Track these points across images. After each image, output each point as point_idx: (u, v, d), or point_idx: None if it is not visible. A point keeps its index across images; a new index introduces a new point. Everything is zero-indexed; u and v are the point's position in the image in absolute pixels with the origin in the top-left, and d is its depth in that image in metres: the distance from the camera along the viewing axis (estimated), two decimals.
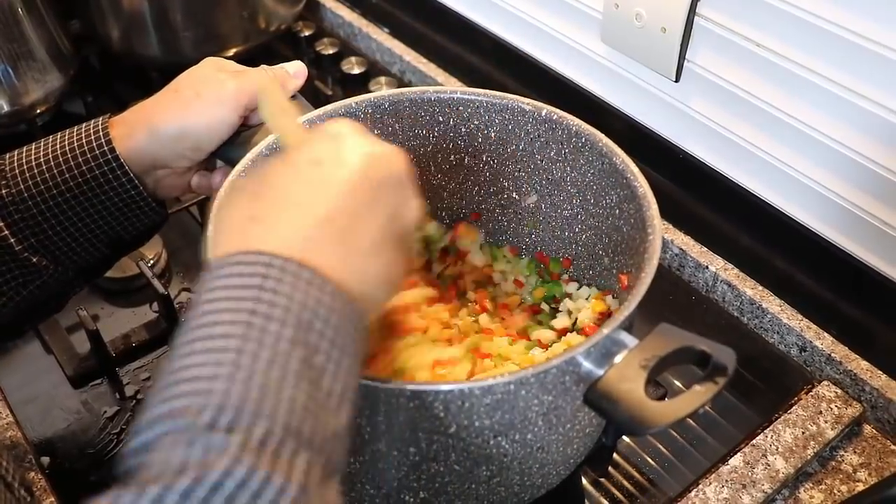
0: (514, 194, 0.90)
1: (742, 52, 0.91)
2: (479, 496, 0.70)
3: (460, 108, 0.85)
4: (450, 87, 0.85)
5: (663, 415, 0.57)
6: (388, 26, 1.46)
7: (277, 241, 0.51)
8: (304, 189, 0.54)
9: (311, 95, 1.08)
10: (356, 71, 1.38)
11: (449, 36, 1.35)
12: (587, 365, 0.61)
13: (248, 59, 1.22)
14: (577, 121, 0.80)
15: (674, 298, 1.04)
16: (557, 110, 0.81)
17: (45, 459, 0.86)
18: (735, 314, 1.01)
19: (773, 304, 0.97)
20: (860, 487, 0.83)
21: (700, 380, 0.60)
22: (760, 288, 0.99)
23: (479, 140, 0.86)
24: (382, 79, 1.35)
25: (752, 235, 1.01)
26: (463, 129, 0.86)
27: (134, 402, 0.92)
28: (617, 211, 0.79)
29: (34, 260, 0.75)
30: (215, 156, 0.81)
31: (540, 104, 0.82)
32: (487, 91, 0.85)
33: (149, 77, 1.35)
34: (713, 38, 0.93)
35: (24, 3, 1.15)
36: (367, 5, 1.49)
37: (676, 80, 0.99)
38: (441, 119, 0.86)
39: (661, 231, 0.70)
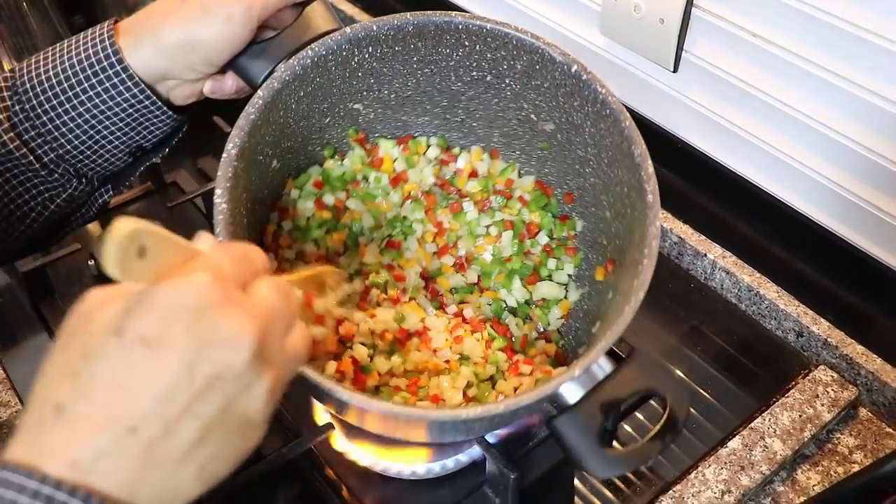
0: (532, 115, 0.86)
1: (739, 43, 0.92)
2: None
3: (488, 39, 0.81)
4: (479, 16, 0.81)
5: (607, 466, 0.62)
6: None
7: (67, 452, 0.44)
8: (119, 381, 0.45)
9: None
10: None
11: None
12: (562, 394, 0.65)
13: None
14: (605, 88, 0.76)
15: (673, 286, 1.05)
16: (588, 68, 0.77)
17: None
18: (733, 301, 1.02)
19: (771, 291, 0.98)
20: (856, 469, 0.85)
21: (653, 436, 0.62)
22: (758, 275, 1.00)
23: (504, 67, 0.83)
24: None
25: (750, 223, 1.02)
26: (489, 55, 0.83)
27: None
28: (626, 189, 0.76)
29: (57, 174, 0.75)
30: (228, 68, 0.79)
31: (572, 57, 0.78)
32: (518, 27, 0.80)
33: None
34: (711, 28, 0.94)
35: None
36: (372, 2, 1.49)
37: (675, 71, 1.00)
38: (467, 44, 0.82)
39: (655, 258, 0.67)
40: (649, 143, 1.08)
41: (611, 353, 0.65)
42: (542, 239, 0.89)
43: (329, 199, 0.87)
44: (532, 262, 0.88)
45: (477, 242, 0.89)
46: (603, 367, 0.64)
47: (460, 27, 0.80)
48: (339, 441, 0.87)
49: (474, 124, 0.91)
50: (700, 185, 1.07)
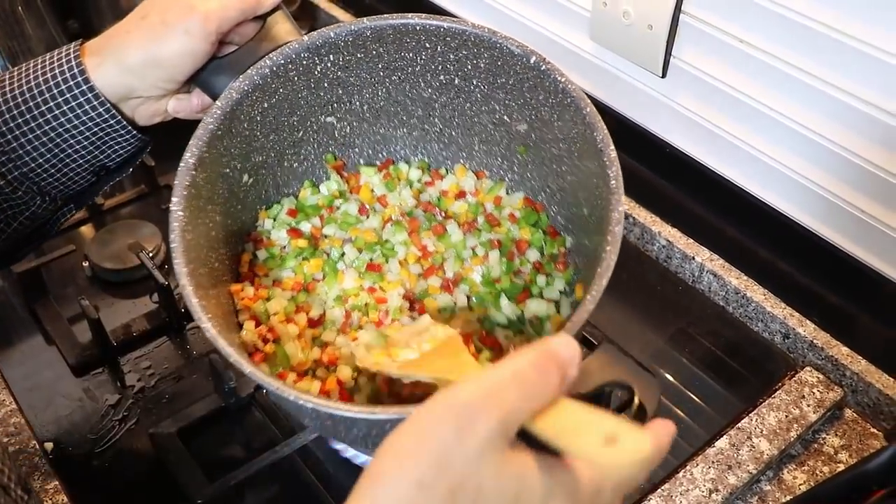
0: (505, 117, 0.86)
1: (726, 48, 0.93)
2: None
3: (447, 38, 0.80)
4: (435, 16, 0.80)
5: None
6: None
7: None
8: None
9: None
10: None
11: None
12: None
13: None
14: (564, 77, 0.75)
15: (661, 289, 1.07)
16: (547, 59, 0.77)
17: (49, 445, 0.88)
18: (720, 303, 1.03)
19: (758, 293, 0.99)
20: (841, 468, 0.86)
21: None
22: (745, 278, 1.01)
23: (469, 67, 0.83)
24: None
25: (737, 226, 1.04)
26: (452, 56, 0.82)
27: (135, 389, 0.94)
28: (594, 180, 0.75)
29: (20, 193, 0.75)
30: (191, 83, 0.79)
31: (529, 49, 0.77)
32: (475, 24, 0.80)
33: None
34: (698, 34, 0.96)
35: (24, 1, 1.17)
36: (361, 5, 1.51)
37: (663, 76, 1.01)
38: (428, 46, 0.82)
39: (618, 246, 0.67)
40: (637, 147, 1.10)
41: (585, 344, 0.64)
42: (532, 255, 0.87)
43: (305, 226, 0.86)
44: (522, 280, 0.87)
45: (465, 264, 0.87)
46: None
47: (418, 28, 0.79)
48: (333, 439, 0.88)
49: (453, 133, 0.91)
50: (688, 189, 1.08)
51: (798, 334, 0.95)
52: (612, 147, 0.72)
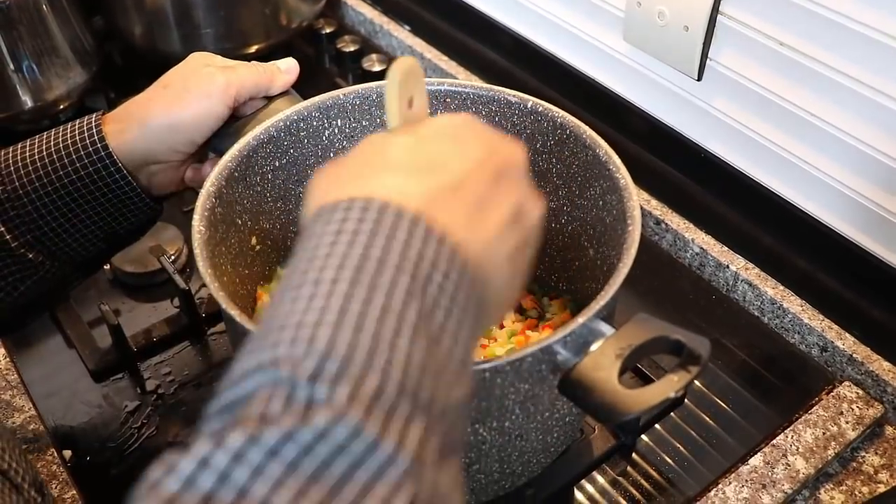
0: None
1: (765, 51, 0.90)
2: None
3: (447, 99, 0.85)
4: (436, 79, 0.85)
5: (636, 402, 0.57)
6: (408, 24, 1.46)
7: (397, 190, 0.45)
8: (425, 157, 0.49)
9: None
10: (377, 68, 1.38)
11: (469, 33, 1.35)
12: (564, 353, 0.62)
13: (269, 55, 1.23)
14: (561, 112, 0.80)
15: (694, 298, 1.04)
16: (543, 102, 0.82)
17: (67, 453, 0.87)
18: (756, 314, 1.00)
19: (794, 304, 0.96)
20: (881, 489, 0.83)
21: (674, 368, 0.59)
22: (781, 288, 0.98)
23: None
24: None
25: (774, 235, 1.01)
26: None
27: (155, 396, 0.93)
28: (601, 202, 0.79)
29: (30, 256, 0.76)
30: (206, 147, 0.83)
31: (525, 96, 0.83)
32: (474, 83, 0.86)
33: None
34: (736, 36, 0.93)
35: (49, 0, 1.16)
36: (389, 3, 1.49)
37: (699, 79, 0.99)
38: (428, 111, 0.86)
39: (639, 222, 0.70)
40: (671, 151, 1.07)
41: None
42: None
43: None
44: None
45: None
46: (605, 331, 0.62)
47: None
48: None
49: None
50: (723, 196, 1.05)
51: (836, 347, 0.92)
52: (616, 157, 0.76)
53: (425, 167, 0.48)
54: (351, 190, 0.46)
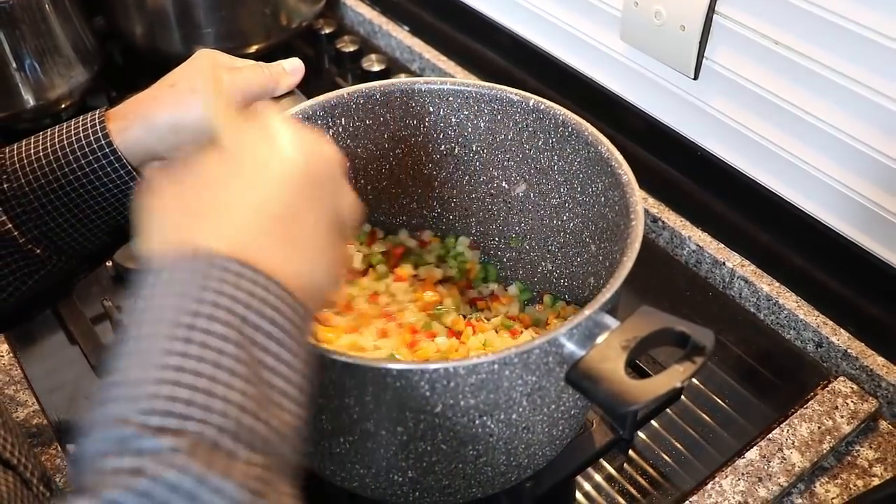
0: (503, 183, 0.91)
1: (761, 50, 0.91)
2: (466, 476, 0.71)
3: (450, 98, 0.86)
4: (439, 77, 0.86)
5: (643, 392, 0.58)
6: (407, 24, 1.47)
7: (222, 239, 0.50)
8: (246, 188, 0.53)
9: None
10: (376, 68, 1.39)
11: (468, 34, 1.36)
12: (570, 346, 0.63)
13: (269, 55, 1.24)
14: (563, 110, 0.81)
15: (690, 295, 1.05)
16: (544, 100, 0.83)
17: (71, 447, 0.87)
18: (752, 310, 1.01)
19: (790, 301, 0.97)
20: (876, 482, 0.84)
21: (679, 359, 0.60)
22: (777, 284, 0.99)
23: (469, 130, 0.88)
24: (402, 76, 1.36)
25: (770, 232, 1.02)
26: (453, 119, 0.87)
27: None
28: (603, 198, 0.80)
29: (37, 251, 0.77)
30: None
31: (527, 94, 0.84)
32: (476, 81, 0.87)
33: None
34: (732, 35, 0.94)
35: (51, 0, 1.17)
36: (388, 3, 1.50)
37: (695, 78, 1.00)
38: (431, 109, 0.87)
39: (643, 216, 0.71)
40: (667, 149, 1.08)
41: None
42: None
43: None
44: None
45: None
46: (610, 324, 0.63)
47: (423, 90, 0.86)
48: None
49: (451, 217, 0.96)
50: (719, 193, 1.06)
51: (832, 343, 0.93)
52: (619, 154, 0.77)
53: (249, 203, 0.53)
54: (182, 236, 0.51)
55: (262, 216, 0.52)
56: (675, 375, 0.59)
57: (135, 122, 0.78)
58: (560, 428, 0.73)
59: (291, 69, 0.84)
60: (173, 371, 0.44)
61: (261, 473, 0.43)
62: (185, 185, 0.54)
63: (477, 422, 0.66)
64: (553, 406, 0.70)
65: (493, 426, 0.67)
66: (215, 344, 0.46)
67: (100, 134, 0.76)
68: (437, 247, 0.96)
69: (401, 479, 0.71)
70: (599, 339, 0.62)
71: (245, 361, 0.46)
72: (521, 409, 0.67)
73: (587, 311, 0.63)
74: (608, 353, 0.61)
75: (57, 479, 0.82)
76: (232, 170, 0.54)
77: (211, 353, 0.45)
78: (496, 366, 0.62)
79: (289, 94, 0.85)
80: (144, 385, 0.44)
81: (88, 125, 0.77)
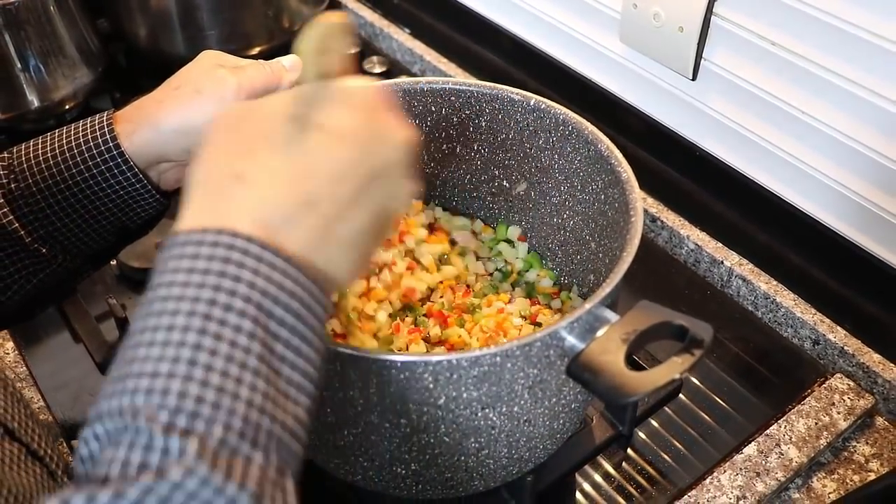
0: (504, 182, 0.92)
1: (758, 51, 0.92)
2: (468, 468, 0.72)
3: (452, 97, 0.87)
4: (440, 77, 0.87)
5: (642, 383, 0.59)
6: (408, 26, 1.48)
7: (253, 213, 0.49)
8: (298, 160, 0.51)
9: None
10: (377, 70, 1.40)
11: (469, 36, 1.37)
12: (570, 339, 0.64)
13: (271, 57, 1.24)
14: (563, 109, 0.83)
15: (689, 293, 1.06)
16: (545, 100, 0.84)
17: (76, 443, 0.88)
18: (750, 308, 1.02)
19: (787, 299, 0.98)
20: (872, 477, 0.85)
21: (678, 351, 0.62)
22: (775, 283, 1.00)
23: (471, 129, 0.89)
24: (403, 77, 1.37)
25: (768, 231, 1.03)
26: (455, 119, 0.89)
27: None
28: (602, 196, 0.81)
29: (44, 250, 0.77)
30: None
31: (528, 94, 0.85)
32: (478, 81, 0.88)
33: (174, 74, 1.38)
34: (730, 37, 0.95)
35: (55, 1, 1.18)
36: (389, 6, 1.51)
37: (693, 79, 1.01)
38: (433, 109, 0.88)
39: (642, 213, 0.72)
40: (666, 150, 1.09)
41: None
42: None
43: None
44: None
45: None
46: (610, 318, 0.64)
47: (426, 90, 0.87)
48: None
49: (453, 218, 0.96)
50: (718, 193, 1.07)
51: (828, 340, 0.94)
52: (618, 152, 0.78)
53: (295, 178, 0.51)
54: (215, 203, 0.50)
55: (305, 201, 0.50)
56: (674, 367, 0.60)
57: (141, 126, 0.78)
58: (561, 421, 0.74)
59: (290, 66, 0.84)
60: (186, 365, 0.44)
61: (275, 468, 0.44)
62: (243, 136, 0.53)
63: (479, 414, 0.67)
64: (554, 399, 0.70)
65: (495, 418, 0.68)
66: (240, 348, 0.46)
67: (108, 136, 0.77)
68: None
69: (404, 471, 0.72)
70: (600, 333, 0.63)
71: (266, 358, 0.46)
72: (522, 402, 0.68)
73: (588, 305, 0.64)
74: (608, 346, 0.62)
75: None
76: (295, 140, 0.51)
77: (238, 352, 0.45)
78: (498, 358, 0.63)
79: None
80: (173, 381, 0.44)
81: (97, 127, 0.78)
